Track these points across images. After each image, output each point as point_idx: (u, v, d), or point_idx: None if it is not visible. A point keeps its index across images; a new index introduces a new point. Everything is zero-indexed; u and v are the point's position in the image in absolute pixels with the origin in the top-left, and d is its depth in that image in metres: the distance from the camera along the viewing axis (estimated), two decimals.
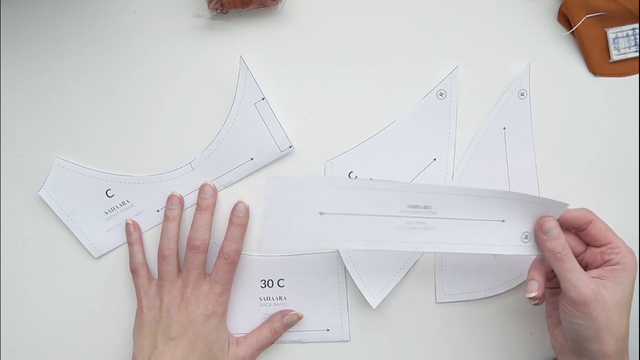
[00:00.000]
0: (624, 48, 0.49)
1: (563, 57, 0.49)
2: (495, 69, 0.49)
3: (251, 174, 0.48)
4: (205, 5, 0.47)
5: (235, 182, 0.48)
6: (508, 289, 0.50)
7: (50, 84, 0.49)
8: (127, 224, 0.48)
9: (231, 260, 0.47)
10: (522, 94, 0.49)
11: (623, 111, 0.50)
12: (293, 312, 0.49)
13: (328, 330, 0.49)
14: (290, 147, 0.48)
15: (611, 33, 0.48)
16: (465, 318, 0.50)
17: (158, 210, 0.48)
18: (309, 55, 0.49)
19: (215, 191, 0.48)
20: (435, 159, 0.49)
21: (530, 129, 0.49)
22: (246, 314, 0.49)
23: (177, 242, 0.47)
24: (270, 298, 0.49)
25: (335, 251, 0.48)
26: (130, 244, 0.48)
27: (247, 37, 0.48)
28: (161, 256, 0.47)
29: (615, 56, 0.49)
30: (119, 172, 0.49)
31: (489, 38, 0.49)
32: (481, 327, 0.50)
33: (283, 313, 0.49)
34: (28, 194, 0.49)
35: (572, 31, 0.49)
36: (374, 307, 0.48)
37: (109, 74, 0.49)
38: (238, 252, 0.47)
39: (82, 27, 0.48)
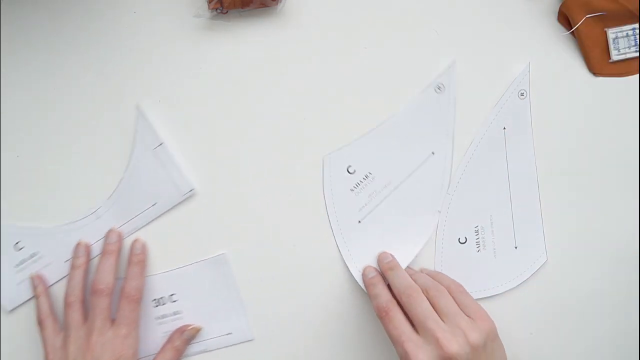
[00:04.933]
0: (624, 48, 0.49)
1: (563, 57, 0.49)
2: (495, 69, 0.49)
3: (156, 218, 0.48)
4: (205, 5, 0.47)
5: (141, 228, 0.48)
6: (508, 289, 0.50)
7: (50, 83, 0.49)
8: (31, 277, 0.48)
9: (133, 299, 0.46)
10: (522, 94, 0.49)
11: (623, 111, 0.50)
12: (191, 327, 0.48)
13: (230, 333, 0.49)
14: (191, 190, 0.48)
15: (611, 33, 0.48)
16: None
17: (66, 261, 0.48)
18: (309, 55, 0.49)
19: (120, 237, 0.48)
20: (433, 153, 0.49)
21: (531, 129, 0.49)
22: (146, 337, 0.48)
23: (83, 290, 0.46)
24: (166, 315, 0.48)
25: (221, 254, 0.48)
26: (36, 296, 0.47)
27: (247, 37, 0.48)
28: (66, 304, 0.46)
29: (615, 56, 0.49)
30: (28, 223, 0.48)
31: (489, 38, 0.49)
32: None
33: (181, 330, 0.48)
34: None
35: (572, 31, 0.49)
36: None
37: (109, 74, 0.49)
38: (140, 290, 0.46)
39: (81, 27, 0.48)
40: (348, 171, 0.49)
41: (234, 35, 0.48)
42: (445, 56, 0.49)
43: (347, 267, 0.49)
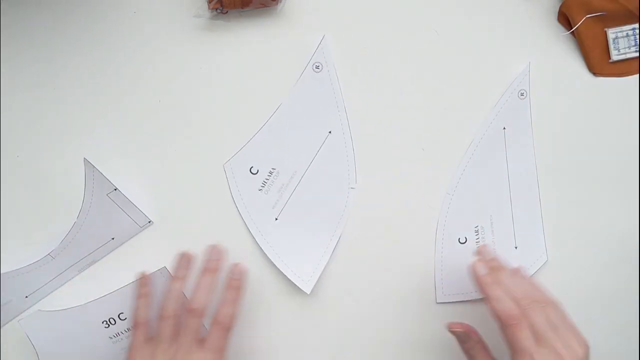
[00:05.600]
0: (624, 48, 0.49)
1: (563, 57, 0.49)
2: (495, 69, 0.49)
3: (115, 249, 0.49)
4: (205, 5, 0.47)
5: (98, 260, 0.49)
6: None
7: (50, 84, 0.49)
8: (140, 275, 0.48)
9: (225, 327, 0.44)
10: (522, 94, 0.49)
11: (623, 111, 0.50)
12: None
13: None
14: (150, 222, 0.48)
15: (611, 33, 0.48)
16: (465, 318, 0.50)
17: (27, 297, 0.48)
18: (309, 54, 0.49)
19: (222, 254, 0.47)
20: (330, 132, 0.49)
21: (530, 129, 0.49)
22: (106, 356, 0.49)
23: (179, 304, 0.46)
24: (119, 333, 0.48)
25: (163, 267, 0.48)
26: (138, 296, 0.47)
27: (247, 37, 0.48)
28: (162, 317, 0.45)
29: (615, 56, 0.49)
30: None
31: (489, 38, 0.49)
32: (481, 327, 0.50)
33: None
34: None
35: (572, 31, 0.49)
36: (309, 293, 0.48)
37: (109, 74, 0.49)
38: (232, 317, 0.45)
39: (81, 27, 0.48)
40: (251, 172, 0.49)
41: (234, 35, 0.48)
42: (446, 57, 0.49)
43: (277, 268, 0.49)
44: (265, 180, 0.49)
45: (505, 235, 0.50)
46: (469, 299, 0.50)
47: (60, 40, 0.48)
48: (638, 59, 0.49)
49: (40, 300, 0.49)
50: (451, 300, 0.50)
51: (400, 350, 0.50)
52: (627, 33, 0.48)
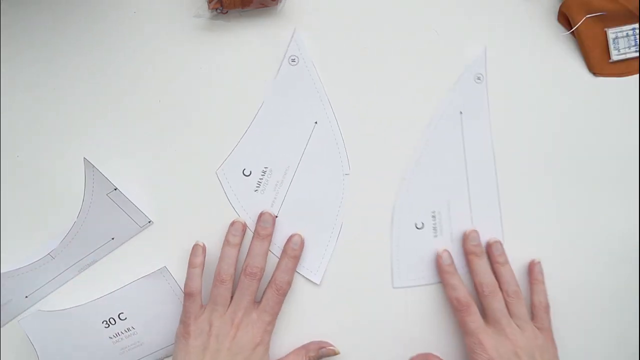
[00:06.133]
0: (624, 48, 0.49)
1: (563, 57, 0.49)
2: (495, 68, 0.49)
3: (115, 249, 0.49)
4: (205, 5, 0.47)
5: (98, 260, 0.49)
6: (464, 273, 0.49)
7: (50, 84, 0.49)
8: (196, 245, 0.48)
9: (282, 291, 0.47)
10: (479, 78, 0.49)
11: (623, 111, 0.50)
12: (331, 347, 0.49)
13: None
14: (150, 222, 0.48)
15: (611, 33, 0.48)
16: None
17: (27, 297, 0.48)
18: (309, 54, 0.49)
19: (274, 220, 0.48)
20: (316, 122, 0.49)
21: (488, 112, 0.49)
22: (105, 358, 0.49)
23: (235, 268, 0.47)
24: (119, 333, 0.48)
25: (162, 267, 0.48)
26: (192, 265, 0.47)
27: (247, 37, 0.48)
28: (219, 280, 0.46)
29: (615, 56, 0.49)
30: None
31: (489, 38, 0.49)
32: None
33: (321, 345, 0.49)
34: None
35: (572, 31, 0.49)
36: (319, 283, 0.49)
37: (109, 74, 0.49)
38: (289, 284, 0.47)
39: (81, 27, 0.48)
40: (244, 174, 0.49)
41: (234, 35, 0.48)
42: (445, 57, 0.49)
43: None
44: (260, 180, 0.49)
45: (462, 221, 0.50)
46: (425, 283, 0.50)
47: (60, 40, 0.48)
48: (638, 59, 0.49)
49: (40, 300, 0.49)
50: (407, 285, 0.50)
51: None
52: (627, 33, 0.48)
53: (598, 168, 0.50)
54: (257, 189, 0.49)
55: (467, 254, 0.49)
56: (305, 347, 0.48)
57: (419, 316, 0.50)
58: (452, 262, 0.49)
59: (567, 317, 0.50)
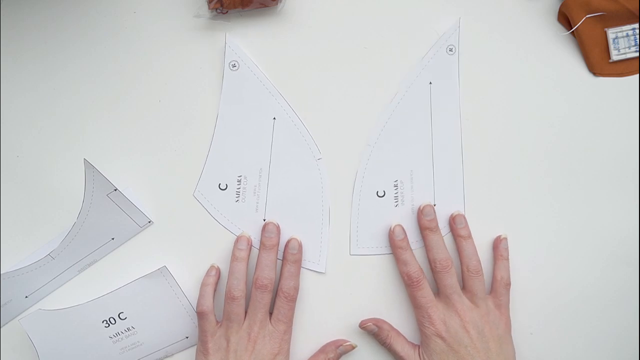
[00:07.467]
0: (624, 48, 0.49)
1: (563, 57, 0.49)
2: (495, 68, 0.49)
3: (115, 249, 0.49)
4: (205, 5, 0.47)
5: (98, 260, 0.49)
6: (421, 246, 0.49)
7: (49, 84, 0.49)
8: (211, 266, 0.49)
9: (291, 298, 0.47)
10: (451, 50, 0.49)
11: (623, 111, 0.50)
12: (348, 343, 0.49)
13: (187, 337, 0.49)
14: (150, 222, 0.49)
15: (611, 33, 0.48)
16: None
17: (27, 297, 0.49)
18: (309, 54, 0.49)
19: (278, 229, 0.48)
20: (275, 118, 0.49)
21: (458, 85, 0.49)
22: (105, 358, 0.49)
23: (245, 283, 0.47)
24: (119, 333, 0.48)
25: (162, 266, 0.48)
26: (204, 284, 0.48)
27: (247, 37, 0.48)
28: (230, 297, 0.46)
29: (615, 56, 0.49)
30: None
31: (489, 38, 0.49)
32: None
33: (337, 343, 0.49)
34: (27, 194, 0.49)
35: (572, 31, 0.49)
36: (324, 272, 0.49)
37: (109, 74, 0.49)
38: (296, 289, 0.48)
39: (81, 27, 0.48)
40: (220, 188, 0.49)
41: (234, 35, 0.48)
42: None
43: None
44: (237, 190, 0.49)
45: (424, 192, 0.49)
46: (381, 253, 0.50)
47: (60, 40, 0.48)
48: (638, 59, 0.49)
49: (40, 300, 0.49)
50: (364, 253, 0.50)
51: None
52: (627, 33, 0.48)
53: (598, 168, 0.50)
54: (237, 199, 0.49)
55: (422, 228, 0.49)
56: (322, 351, 0.49)
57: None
58: (405, 236, 0.48)
59: (567, 316, 0.51)
